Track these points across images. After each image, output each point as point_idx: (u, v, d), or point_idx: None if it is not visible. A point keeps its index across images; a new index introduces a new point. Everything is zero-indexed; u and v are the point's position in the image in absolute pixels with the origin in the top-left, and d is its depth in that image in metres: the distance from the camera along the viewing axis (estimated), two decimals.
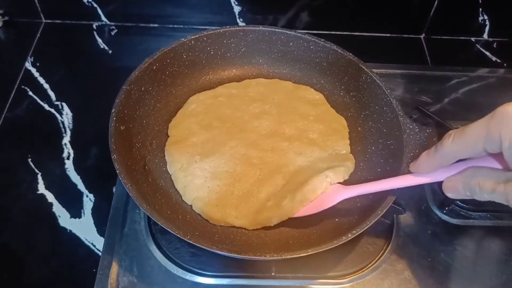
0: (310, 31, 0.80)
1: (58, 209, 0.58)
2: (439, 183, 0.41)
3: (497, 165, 0.37)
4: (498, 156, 0.36)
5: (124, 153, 0.51)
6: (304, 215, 0.50)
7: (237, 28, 0.63)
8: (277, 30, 0.63)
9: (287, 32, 0.63)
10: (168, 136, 0.58)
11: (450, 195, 0.39)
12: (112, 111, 0.52)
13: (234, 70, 0.66)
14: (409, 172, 0.44)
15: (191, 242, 0.43)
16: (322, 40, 0.62)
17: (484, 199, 0.37)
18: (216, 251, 0.44)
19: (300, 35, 0.63)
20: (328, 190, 0.50)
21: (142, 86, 0.57)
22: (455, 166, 0.39)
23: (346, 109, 0.62)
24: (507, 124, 0.31)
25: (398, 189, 0.46)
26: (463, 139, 0.35)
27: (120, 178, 0.47)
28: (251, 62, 0.66)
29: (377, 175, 0.55)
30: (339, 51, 0.61)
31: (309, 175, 0.52)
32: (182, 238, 0.43)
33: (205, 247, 0.43)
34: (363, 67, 0.59)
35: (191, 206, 0.52)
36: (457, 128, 0.37)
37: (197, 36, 0.61)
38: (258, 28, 0.63)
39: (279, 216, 0.50)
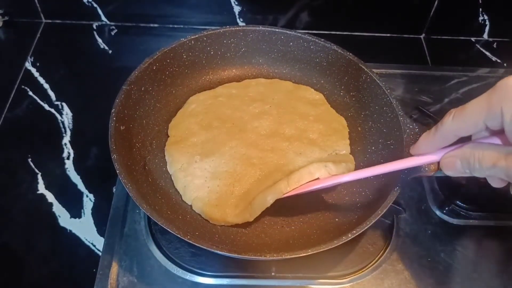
0: (310, 31, 0.80)
1: (58, 209, 0.58)
2: (439, 183, 0.40)
3: (499, 142, 0.36)
4: (500, 134, 0.35)
5: (124, 153, 0.51)
6: (299, 192, 0.49)
7: (237, 28, 0.63)
8: (277, 30, 0.63)
9: (287, 32, 0.63)
10: (168, 136, 0.58)
11: (448, 172, 0.38)
12: (112, 111, 0.52)
13: (234, 70, 0.66)
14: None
15: (191, 242, 0.43)
16: (322, 40, 0.62)
17: (483, 175, 0.36)
18: (216, 251, 0.44)
19: (300, 35, 0.63)
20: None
21: (142, 86, 0.57)
22: (455, 145, 0.38)
23: (346, 109, 0.62)
24: (509, 98, 0.31)
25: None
26: (464, 116, 0.34)
27: (120, 178, 0.47)
28: (251, 62, 0.66)
29: (377, 175, 0.54)
30: (339, 51, 0.61)
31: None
32: (182, 238, 0.43)
33: (205, 247, 0.43)
34: (363, 67, 0.59)
35: (191, 206, 0.52)
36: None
37: (197, 36, 0.61)
38: (258, 28, 0.63)
39: (274, 193, 0.49)
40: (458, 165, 0.37)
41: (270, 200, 0.49)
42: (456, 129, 0.35)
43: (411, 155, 0.43)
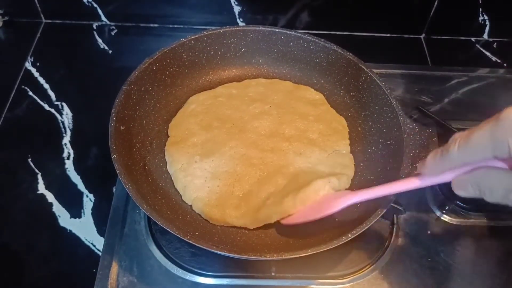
0: (310, 31, 0.80)
1: (58, 209, 0.58)
2: (440, 184, 0.40)
3: (507, 166, 0.35)
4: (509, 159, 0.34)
5: (124, 153, 0.51)
6: (308, 219, 0.49)
7: (237, 28, 0.63)
8: (277, 30, 0.63)
9: (287, 32, 0.63)
10: (168, 136, 0.58)
11: (459, 193, 0.37)
12: (112, 111, 0.52)
13: (234, 70, 0.66)
14: (412, 173, 0.43)
15: (191, 242, 0.43)
16: (322, 40, 0.62)
17: (495, 202, 0.35)
18: (216, 251, 0.44)
19: (300, 35, 0.63)
20: (334, 194, 0.49)
21: (142, 86, 0.57)
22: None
23: (346, 109, 0.62)
24: None
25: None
26: (469, 147, 0.33)
27: (120, 178, 0.47)
28: (251, 62, 0.66)
29: (377, 175, 0.55)
30: (339, 51, 0.61)
31: (311, 178, 0.52)
32: (182, 238, 0.43)
33: (205, 247, 0.43)
34: (363, 67, 0.59)
35: (191, 206, 0.52)
36: (459, 130, 0.35)
37: (197, 36, 0.61)
38: (258, 28, 0.63)
39: (280, 212, 0.50)
40: (469, 189, 0.36)
41: (275, 218, 0.50)
42: (462, 158, 0.35)
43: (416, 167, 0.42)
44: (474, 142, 0.33)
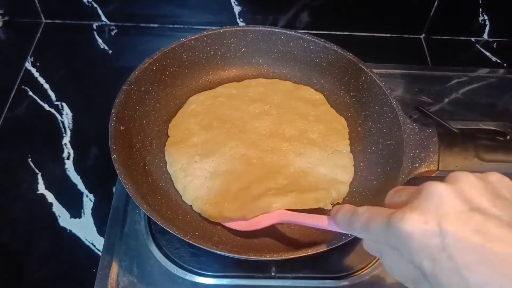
0: (310, 31, 0.80)
1: (58, 209, 0.58)
2: None
3: None
4: None
5: (124, 153, 0.51)
6: (238, 228, 0.50)
7: (237, 28, 0.63)
8: (277, 30, 0.63)
9: (287, 32, 0.63)
10: (168, 136, 0.58)
11: (366, 250, 0.37)
12: (112, 111, 0.52)
13: (234, 70, 0.66)
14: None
15: (191, 242, 0.43)
16: (322, 40, 0.62)
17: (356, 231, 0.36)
18: (216, 251, 0.44)
19: (300, 35, 0.63)
20: (271, 213, 0.50)
21: (142, 86, 0.57)
22: None
23: (346, 109, 0.62)
24: (404, 244, 0.29)
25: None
26: (369, 236, 0.34)
27: (120, 178, 0.47)
28: (251, 62, 0.66)
29: (377, 175, 0.55)
30: (339, 51, 0.61)
31: (312, 180, 0.53)
32: (182, 238, 0.43)
33: (205, 247, 0.43)
34: (363, 67, 0.59)
35: (191, 206, 0.52)
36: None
37: (197, 36, 0.61)
38: (258, 28, 0.63)
39: (282, 202, 0.50)
40: (374, 253, 0.36)
41: (275, 207, 0.50)
42: (363, 236, 0.35)
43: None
44: (372, 232, 0.33)
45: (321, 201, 0.51)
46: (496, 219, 0.27)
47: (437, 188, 0.29)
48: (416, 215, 0.29)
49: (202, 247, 0.43)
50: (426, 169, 0.45)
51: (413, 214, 0.29)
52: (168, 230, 0.44)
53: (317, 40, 0.62)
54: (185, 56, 0.62)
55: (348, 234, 0.44)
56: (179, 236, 0.43)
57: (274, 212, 0.49)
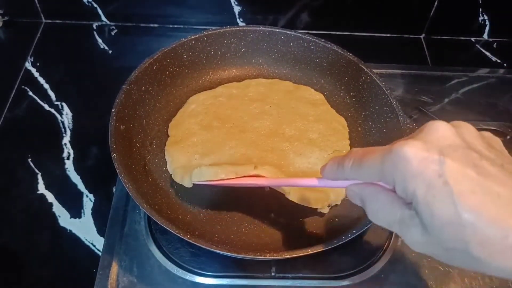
0: (310, 31, 0.80)
1: (58, 209, 0.58)
2: None
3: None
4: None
5: (124, 153, 0.51)
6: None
7: (237, 28, 0.63)
8: (277, 30, 0.63)
9: (287, 32, 0.63)
10: (168, 136, 0.58)
11: (350, 199, 0.37)
12: (112, 110, 0.52)
13: (234, 70, 0.66)
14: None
15: (191, 242, 0.43)
16: (322, 40, 0.62)
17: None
18: (216, 250, 0.44)
19: (300, 35, 0.63)
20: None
21: (142, 86, 0.57)
22: None
23: (346, 109, 0.62)
24: (400, 170, 0.30)
25: None
26: (360, 169, 0.33)
27: (120, 178, 0.47)
28: (251, 62, 0.66)
29: None
30: (339, 51, 0.61)
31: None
32: (182, 237, 0.43)
33: (205, 247, 0.43)
34: (363, 67, 0.59)
35: (188, 204, 0.52)
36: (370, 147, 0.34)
37: (197, 36, 0.61)
38: (258, 28, 0.63)
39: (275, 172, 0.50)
40: (357, 201, 0.36)
41: (221, 174, 0.49)
42: (354, 177, 0.35)
43: None
44: (365, 166, 0.33)
45: (319, 203, 0.51)
46: (490, 159, 0.29)
47: (440, 125, 0.31)
48: (419, 143, 0.29)
49: (202, 246, 0.43)
50: None
51: (416, 141, 0.30)
52: (168, 229, 0.44)
53: (317, 40, 0.62)
54: (185, 56, 0.62)
55: (348, 234, 0.45)
56: (179, 235, 0.43)
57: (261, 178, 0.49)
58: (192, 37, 0.61)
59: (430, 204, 0.28)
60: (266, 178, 0.48)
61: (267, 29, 0.63)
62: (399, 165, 0.30)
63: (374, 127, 0.59)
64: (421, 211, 0.29)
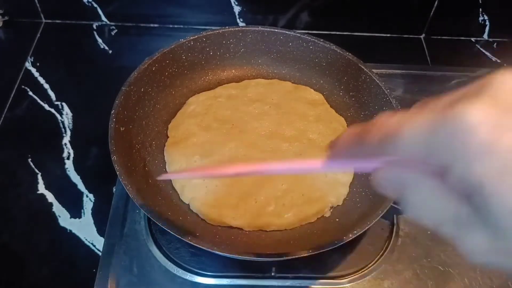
0: (310, 31, 0.80)
1: (58, 209, 0.58)
2: None
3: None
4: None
5: (124, 154, 0.51)
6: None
7: (236, 29, 0.63)
8: (276, 30, 0.63)
9: (287, 32, 0.63)
10: (168, 137, 0.58)
11: (379, 190, 0.26)
12: (112, 112, 0.52)
13: (233, 71, 0.66)
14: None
15: (191, 243, 0.43)
16: (322, 40, 0.62)
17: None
18: (216, 252, 0.44)
19: (299, 35, 0.63)
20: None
21: (141, 87, 0.57)
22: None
23: (345, 109, 0.62)
24: (461, 145, 0.20)
25: None
26: (393, 146, 0.22)
27: (120, 180, 0.47)
28: (251, 62, 0.66)
29: None
30: (339, 51, 0.61)
31: (312, 183, 0.53)
32: (183, 238, 0.43)
33: (205, 248, 0.43)
34: (362, 67, 0.59)
35: (189, 205, 0.52)
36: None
37: (196, 36, 0.61)
38: (257, 29, 0.63)
39: (279, 226, 0.51)
40: (391, 193, 0.25)
41: (272, 228, 0.51)
42: (382, 155, 0.24)
43: None
44: (402, 139, 0.22)
45: (320, 213, 0.52)
46: None
47: (509, 78, 0.20)
48: (488, 103, 0.19)
49: (202, 247, 0.43)
50: None
51: (483, 101, 0.19)
52: (169, 230, 0.44)
53: (316, 40, 0.62)
54: (184, 57, 0.62)
55: (348, 234, 0.45)
56: (179, 236, 0.43)
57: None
58: (191, 37, 0.61)
59: (502, 196, 0.19)
60: (254, 164, 0.35)
61: (266, 29, 0.63)
62: (459, 138, 0.19)
63: None
64: (490, 206, 0.19)
